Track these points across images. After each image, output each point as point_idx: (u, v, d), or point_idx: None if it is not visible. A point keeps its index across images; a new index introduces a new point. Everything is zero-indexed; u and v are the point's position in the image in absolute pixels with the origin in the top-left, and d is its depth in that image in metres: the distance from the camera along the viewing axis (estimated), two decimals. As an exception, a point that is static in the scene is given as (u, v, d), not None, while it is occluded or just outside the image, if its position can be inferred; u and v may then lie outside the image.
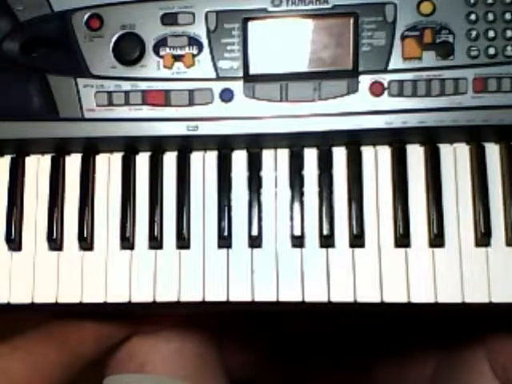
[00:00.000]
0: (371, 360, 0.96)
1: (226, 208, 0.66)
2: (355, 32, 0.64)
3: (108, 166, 0.69)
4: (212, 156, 0.68)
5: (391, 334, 0.94)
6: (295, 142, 0.67)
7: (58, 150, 0.70)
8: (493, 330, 0.75)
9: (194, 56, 0.66)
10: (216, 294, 0.66)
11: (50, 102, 0.66)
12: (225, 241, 0.66)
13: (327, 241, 0.65)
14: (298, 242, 0.65)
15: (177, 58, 0.66)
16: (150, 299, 0.66)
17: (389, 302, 0.64)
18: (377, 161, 0.67)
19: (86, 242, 0.68)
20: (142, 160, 0.69)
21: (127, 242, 0.67)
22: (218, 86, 0.66)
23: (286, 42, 0.65)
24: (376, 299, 0.64)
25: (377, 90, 0.64)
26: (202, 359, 0.80)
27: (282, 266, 0.66)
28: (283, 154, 0.68)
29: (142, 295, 0.67)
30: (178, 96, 0.66)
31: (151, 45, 0.66)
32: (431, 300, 0.64)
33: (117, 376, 0.77)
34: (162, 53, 0.66)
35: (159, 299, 0.66)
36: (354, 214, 0.65)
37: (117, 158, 0.69)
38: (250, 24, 0.65)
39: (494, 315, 0.71)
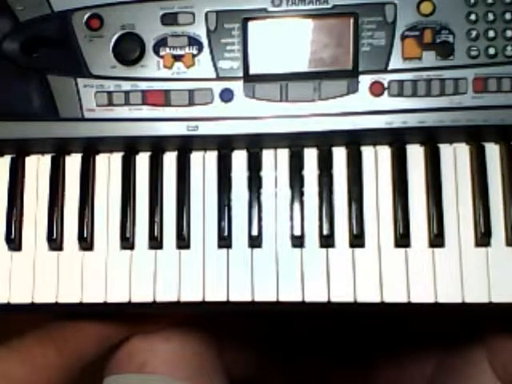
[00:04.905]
0: (371, 359, 0.96)
1: (226, 208, 0.66)
2: (355, 32, 0.64)
3: (108, 166, 0.69)
4: (212, 156, 0.68)
5: (391, 333, 0.94)
6: (295, 142, 0.67)
7: (58, 150, 0.70)
8: (493, 330, 0.75)
9: (194, 56, 0.66)
10: (216, 294, 0.66)
11: (50, 102, 0.66)
12: (225, 241, 0.66)
13: (327, 241, 0.65)
14: (298, 241, 0.65)
15: (177, 57, 0.66)
16: (150, 299, 0.66)
17: (389, 302, 0.64)
18: (377, 161, 0.67)
19: (85, 242, 0.68)
20: (142, 160, 0.69)
21: (127, 242, 0.67)
22: (218, 86, 0.66)
23: (286, 42, 0.65)
24: (376, 299, 0.64)
25: (377, 90, 0.64)
26: (201, 359, 0.80)
27: (282, 266, 0.66)
28: (283, 154, 0.68)
29: (141, 295, 0.67)
30: (178, 96, 0.66)
31: (151, 45, 0.66)
32: (431, 300, 0.64)
33: (117, 376, 0.77)
34: (162, 53, 0.66)
35: (159, 299, 0.66)
36: (353, 214, 0.65)
37: (117, 157, 0.69)
38: (250, 24, 0.65)
39: (494, 315, 0.71)
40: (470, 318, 0.80)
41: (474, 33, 0.63)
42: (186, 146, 0.68)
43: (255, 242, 0.66)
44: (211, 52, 0.65)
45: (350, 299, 0.64)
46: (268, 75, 0.65)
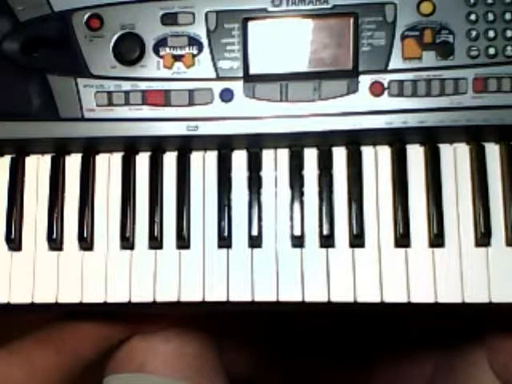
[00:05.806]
0: (371, 360, 0.96)
1: (226, 208, 0.66)
2: (355, 32, 0.64)
3: (108, 165, 0.69)
4: (212, 156, 0.68)
5: (391, 333, 0.94)
6: (295, 142, 0.67)
7: (58, 150, 0.70)
8: (493, 330, 0.75)
9: (194, 56, 0.66)
10: (216, 294, 0.66)
11: (50, 102, 0.66)
12: (225, 241, 0.66)
13: (327, 241, 0.65)
14: (298, 241, 0.65)
15: (177, 57, 0.66)
16: (150, 299, 0.66)
17: (389, 302, 0.64)
18: (377, 161, 0.67)
19: (85, 242, 0.68)
20: (142, 160, 0.69)
21: (127, 242, 0.67)
22: (218, 86, 0.66)
23: (286, 42, 0.65)
24: (376, 299, 0.64)
25: (377, 90, 0.64)
26: (201, 359, 0.80)
27: (282, 266, 0.66)
28: (283, 154, 0.68)
29: (142, 295, 0.67)
30: (178, 96, 0.66)
31: (151, 45, 0.66)
32: (431, 300, 0.64)
33: (117, 376, 0.77)
34: (162, 53, 0.66)
35: (159, 299, 0.66)
36: (353, 213, 0.65)
37: (117, 157, 0.69)
38: (250, 24, 0.65)
39: (494, 315, 0.71)
40: (470, 317, 0.80)
41: (473, 33, 0.64)
42: (185, 145, 0.68)
43: (255, 242, 0.66)
44: (211, 52, 0.65)
45: (350, 299, 0.64)
46: (268, 75, 0.65)
